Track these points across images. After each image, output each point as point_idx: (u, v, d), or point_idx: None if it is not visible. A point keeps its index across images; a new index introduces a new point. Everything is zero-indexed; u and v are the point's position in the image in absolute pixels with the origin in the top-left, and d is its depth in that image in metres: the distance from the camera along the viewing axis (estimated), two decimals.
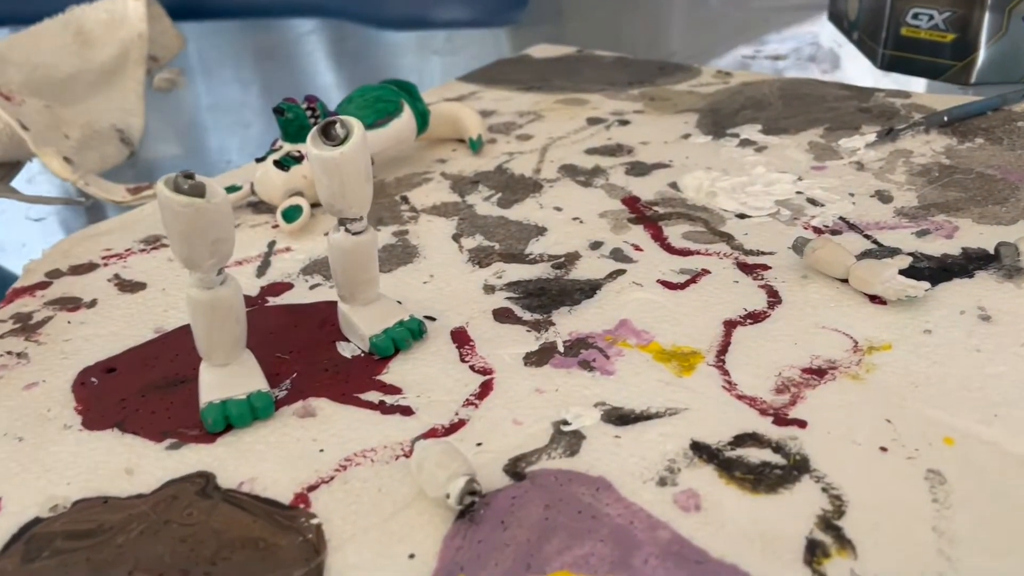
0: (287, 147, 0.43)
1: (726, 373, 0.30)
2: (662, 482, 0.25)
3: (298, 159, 0.43)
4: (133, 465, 0.27)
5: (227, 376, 0.30)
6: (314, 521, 0.25)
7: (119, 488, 0.27)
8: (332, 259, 0.32)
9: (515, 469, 0.26)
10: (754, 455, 0.26)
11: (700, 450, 0.27)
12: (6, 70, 0.58)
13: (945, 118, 0.48)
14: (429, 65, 0.76)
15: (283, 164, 0.43)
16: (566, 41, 0.72)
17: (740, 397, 0.29)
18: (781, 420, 0.28)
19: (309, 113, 0.43)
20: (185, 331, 0.34)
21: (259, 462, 0.27)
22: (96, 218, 0.48)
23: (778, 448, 0.26)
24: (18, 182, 0.52)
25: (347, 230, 0.31)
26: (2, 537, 0.25)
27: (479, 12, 0.81)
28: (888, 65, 0.60)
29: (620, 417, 0.28)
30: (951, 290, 0.33)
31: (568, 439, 0.27)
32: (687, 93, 0.57)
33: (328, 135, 0.30)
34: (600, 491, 0.25)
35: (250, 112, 0.67)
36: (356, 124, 0.30)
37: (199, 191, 0.26)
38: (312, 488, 0.26)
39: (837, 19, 0.73)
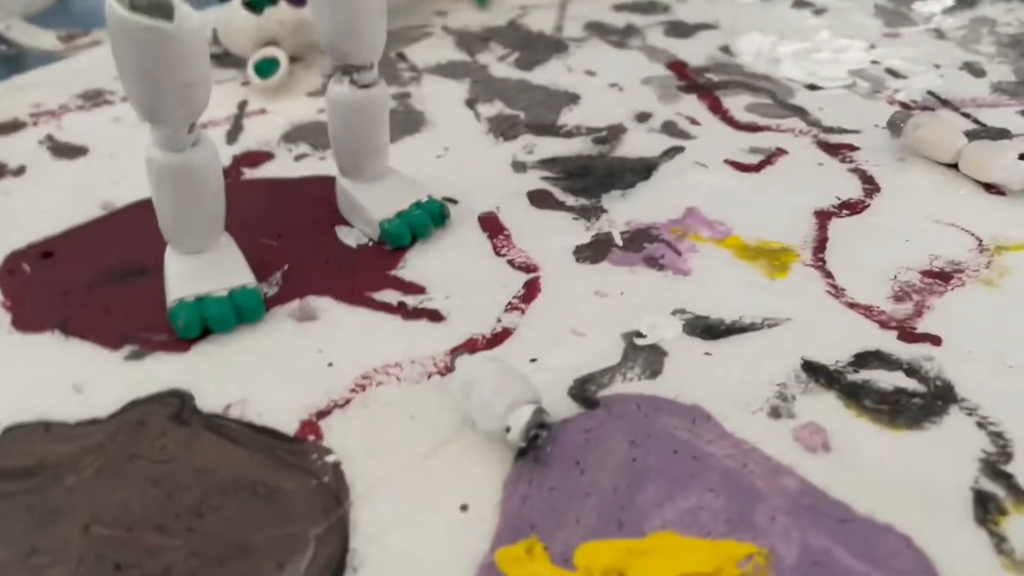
0: None
1: (829, 275, 0.24)
2: (775, 413, 0.20)
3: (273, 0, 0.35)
4: (82, 380, 0.21)
5: (202, 266, 0.23)
6: (330, 459, 0.19)
7: (65, 410, 0.20)
8: (331, 119, 0.25)
9: (584, 393, 0.21)
10: (883, 379, 0.21)
11: (815, 372, 0.21)
12: None
13: None
14: None
15: (255, 5, 0.34)
16: None
17: (851, 305, 0.23)
18: (908, 335, 0.22)
19: None
20: (142, 208, 0.27)
21: (250, 378, 0.21)
22: (19, 70, 0.39)
23: (912, 371, 0.21)
24: None
25: (353, 81, 0.24)
26: None
27: None
28: None
29: (707, 328, 0.22)
30: None
31: (646, 355, 0.22)
32: None
33: None
34: (698, 423, 0.20)
35: None
36: None
37: (165, 11, 0.19)
38: (323, 414, 0.20)
39: None
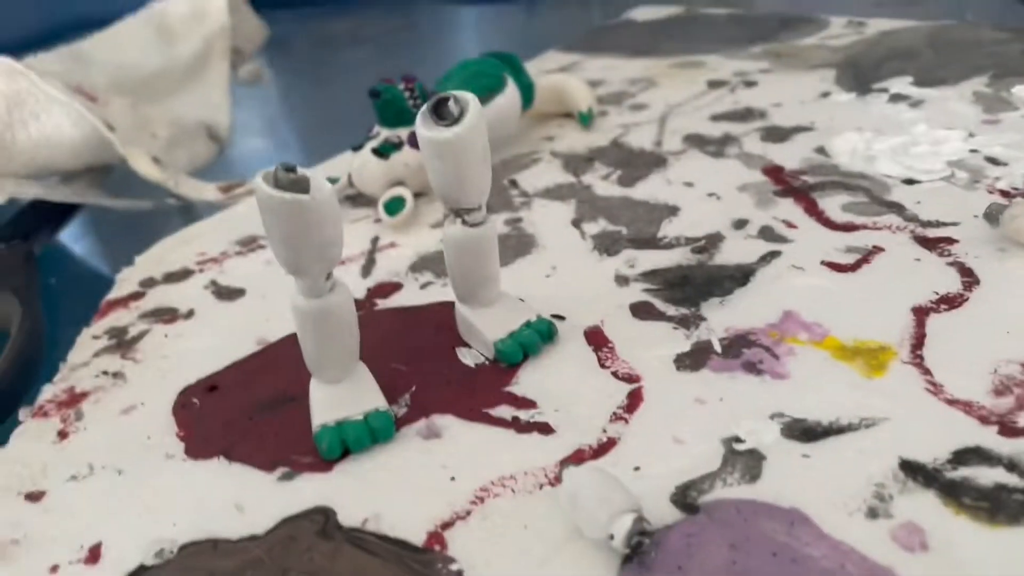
0: (385, 133, 0.40)
1: (927, 372, 0.25)
2: (872, 513, 0.21)
3: (398, 146, 0.39)
4: (243, 500, 0.24)
5: (340, 393, 0.26)
6: (454, 567, 0.21)
7: (229, 528, 0.23)
8: (448, 255, 0.28)
9: (685, 499, 0.22)
10: (984, 476, 0.21)
11: (913, 471, 0.22)
12: (90, 71, 0.57)
13: None
14: (514, 40, 0.71)
15: (382, 152, 0.39)
16: (668, 1, 0.67)
17: (951, 402, 0.24)
18: (1009, 429, 0.22)
19: (408, 94, 0.39)
20: (289, 342, 0.31)
21: (383, 494, 0.24)
22: (189, 221, 0.45)
23: (1013, 466, 0.21)
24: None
25: (464, 222, 0.27)
26: None
27: None
28: None
29: (805, 431, 0.23)
30: None
31: (745, 460, 0.23)
32: (817, 47, 0.51)
33: (440, 114, 0.26)
34: (796, 526, 0.21)
35: (333, 104, 0.64)
36: (472, 100, 0.26)
37: (302, 186, 0.22)
38: (447, 525, 0.22)
39: None
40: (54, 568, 0.23)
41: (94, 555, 0.23)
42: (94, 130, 0.47)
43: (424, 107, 0.26)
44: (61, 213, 0.45)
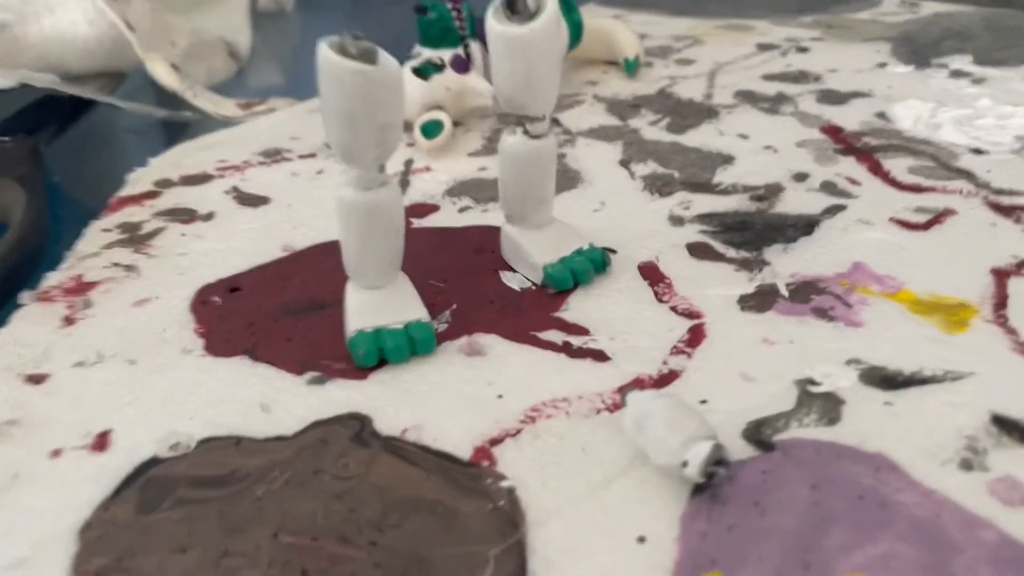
0: (427, 53, 0.37)
1: (1012, 331, 0.23)
2: (966, 465, 0.19)
3: (440, 67, 0.37)
4: (269, 400, 0.22)
5: (380, 301, 0.24)
6: (505, 484, 0.19)
7: (254, 427, 0.21)
8: (502, 168, 0.26)
9: (759, 436, 0.20)
10: None
11: (1007, 426, 0.20)
12: None
13: None
14: None
15: (423, 72, 0.37)
16: None
17: None
18: None
19: (455, 14, 0.37)
20: (320, 251, 0.29)
21: (424, 406, 0.22)
22: (203, 133, 0.43)
23: None
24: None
25: (527, 132, 0.25)
26: (112, 478, 0.20)
27: None
28: None
29: (885, 379, 0.22)
30: None
31: (822, 403, 0.21)
32: (870, 22, 0.49)
33: (514, 8, 0.24)
34: (883, 471, 0.19)
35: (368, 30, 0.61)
36: None
37: (371, 56, 0.20)
38: (496, 442, 0.20)
39: None
40: (56, 452, 0.20)
41: (102, 442, 0.21)
42: (110, 30, 0.45)
43: (497, 1, 0.24)
44: (70, 111, 0.43)
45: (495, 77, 0.25)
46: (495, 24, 0.24)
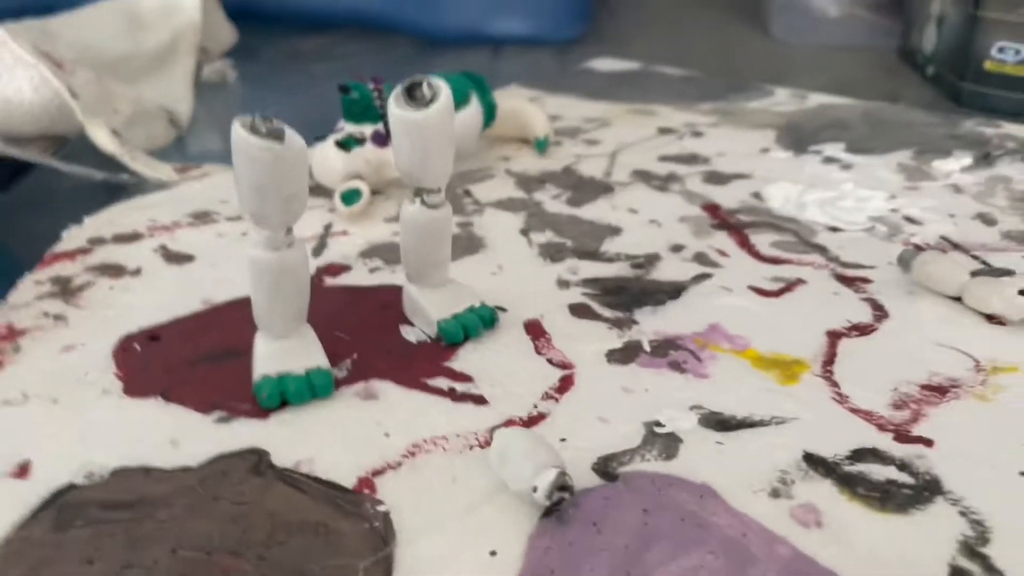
0: (350, 128, 0.41)
1: (835, 385, 0.27)
2: (775, 493, 0.22)
3: (360, 141, 0.40)
4: (178, 437, 0.25)
5: (285, 349, 0.27)
6: (382, 508, 0.22)
7: (163, 459, 0.24)
8: (404, 234, 0.30)
9: (605, 469, 0.23)
10: (877, 472, 0.23)
11: (815, 462, 0.24)
12: (56, 44, 0.57)
13: None
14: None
15: (345, 145, 0.40)
16: (628, 56, 0.70)
17: (854, 411, 0.26)
18: (904, 437, 0.25)
19: (376, 94, 0.41)
20: (236, 306, 0.32)
21: (318, 442, 0.24)
22: (138, 194, 0.45)
23: (904, 466, 0.23)
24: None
25: (424, 202, 0.29)
26: (30, 502, 0.22)
27: (538, 27, 0.79)
28: (968, 102, 0.58)
29: (720, 422, 0.25)
30: None
31: (663, 441, 0.24)
32: (762, 111, 0.54)
33: (413, 96, 0.27)
34: (705, 499, 0.22)
35: (302, 103, 0.65)
36: (444, 86, 0.27)
37: (278, 135, 0.24)
38: (378, 473, 0.23)
39: (908, 55, 0.70)
40: None
41: (23, 470, 0.23)
42: (54, 97, 0.48)
43: (398, 87, 0.27)
44: (12, 171, 0.45)
45: (395, 155, 0.28)
46: (396, 109, 0.27)
